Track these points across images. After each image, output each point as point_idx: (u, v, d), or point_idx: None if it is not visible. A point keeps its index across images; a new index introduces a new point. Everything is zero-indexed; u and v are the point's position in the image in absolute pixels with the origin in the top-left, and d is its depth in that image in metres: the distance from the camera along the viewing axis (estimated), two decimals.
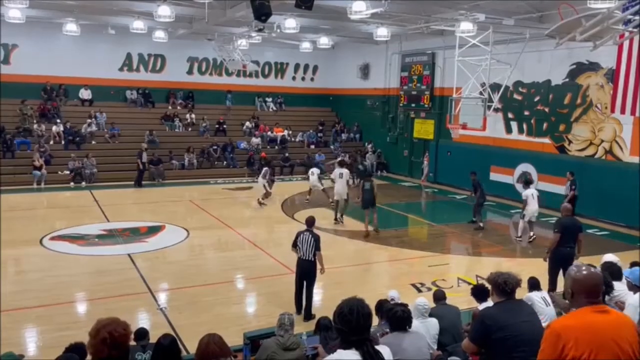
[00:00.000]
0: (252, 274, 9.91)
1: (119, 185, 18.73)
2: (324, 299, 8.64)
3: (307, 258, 7.93)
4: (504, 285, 3.84)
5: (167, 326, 7.40)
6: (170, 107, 24.04)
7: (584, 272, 2.82)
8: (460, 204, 17.46)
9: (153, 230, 13.02)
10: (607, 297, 5.16)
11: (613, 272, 5.31)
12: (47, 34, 20.46)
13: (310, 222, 8.30)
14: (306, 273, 7.97)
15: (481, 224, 13.95)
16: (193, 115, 23.67)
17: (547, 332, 2.68)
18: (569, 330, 2.61)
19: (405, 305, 4.22)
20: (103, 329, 2.11)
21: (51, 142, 20.02)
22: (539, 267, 8.72)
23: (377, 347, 2.78)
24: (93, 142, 20.81)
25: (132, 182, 19.03)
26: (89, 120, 21.27)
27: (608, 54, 13.56)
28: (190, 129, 23.36)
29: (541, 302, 6.16)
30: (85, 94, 22.63)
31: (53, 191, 17.67)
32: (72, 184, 18.43)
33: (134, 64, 23.68)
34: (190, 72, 24.86)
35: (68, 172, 18.72)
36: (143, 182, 19.13)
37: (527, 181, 13.62)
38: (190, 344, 6.05)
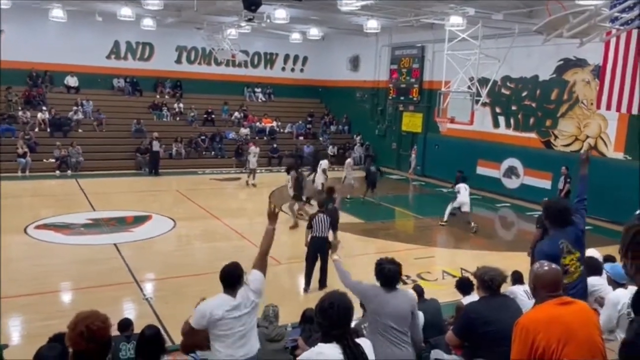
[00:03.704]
0: None
1: (105, 174, 18.59)
2: (310, 291, 8.69)
3: (321, 235, 8.64)
4: (490, 283, 3.94)
5: (153, 316, 7.40)
6: (158, 96, 23.85)
7: (545, 268, 2.98)
8: (447, 197, 17.46)
9: (139, 220, 12.97)
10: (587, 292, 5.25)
11: (593, 266, 5.40)
12: (33, 19, 20.16)
13: (321, 204, 9.27)
14: (320, 248, 8.61)
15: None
16: (181, 105, 23.51)
17: (516, 329, 2.77)
18: (537, 324, 2.71)
19: (398, 265, 4.26)
20: (81, 323, 2.12)
21: (36, 130, 19.78)
22: (523, 261, 8.83)
23: (357, 340, 2.82)
24: (79, 130, 20.59)
25: (120, 172, 18.94)
26: (75, 108, 21.02)
27: (595, 51, 13.67)
28: (178, 119, 23.21)
29: (524, 295, 6.24)
30: (71, 81, 22.36)
31: (38, 179, 17.49)
32: (57, 172, 18.25)
33: (122, 51, 23.43)
34: (178, 61, 24.65)
35: (54, 160, 18.53)
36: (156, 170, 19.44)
37: (463, 177, 14.18)
38: (176, 334, 6.05)
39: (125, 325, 5.18)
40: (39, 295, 8.12)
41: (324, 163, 15.78)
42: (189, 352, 4.64)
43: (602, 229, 13.68)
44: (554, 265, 3.03)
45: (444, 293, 7.89)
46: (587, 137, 15.53)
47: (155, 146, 19.33)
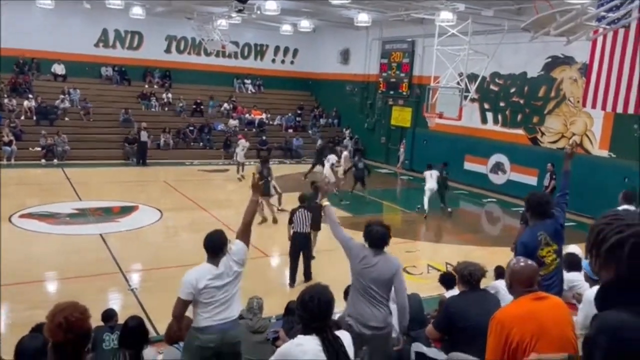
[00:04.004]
0: None
1: (92, 164, 18.45)
2: (296, 284, 8.74)
3: (302, 231, 8.65)
4: (469, 277, 4.01)
5: (138, 307, 7.40)
6: (146, 86, 23.67)
7: (521, 264, 3.07)
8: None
9: (126, 210, 12.92)
10: (566, 287, 5.35)
11: (573, 262, 5.50)
12: (20, 6, 19.85)
13: (303, 199, 9.17)
14: (303, 245, 8.70)
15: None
16: (170, 95, 23.36)
17: (491, 323, 2.84)
18: (512, 319, 2.79)
19: (386, 227, 4.32)
20: (59, 314, 2.14)
21: (22, 117, 19.57)
22: (507, 256, 8.93)
23: (337, 332, 2.86)
24: (66, 119, 20.40)
25: (107, 162, 18.83)
26: (62, 96, 20.81)
27: (582, 49, 13.77)
28: (166, 109, 23.07)
29: (506, 289, 6.34)
30: (58, 69, 22.11)
31: (24, 167, 17.33)
32: (43, 161, 18.09)
33: (110, 40, 23.19)
34: (168, 50, 24.47)
35: (39, 149, 18.36)
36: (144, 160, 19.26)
37: (429, 165, 14.84)
38: (161, 325, 6.08)
39: (109, 315, 5.19)
40: (23, 285, 8.08)
41: (331, 158, 15.92)
42: (173, 343, 4.67)
43: (585, 226, 13.83)
44: (529, 262, 3.10)
45: (428, 287, 8.00)
46: (573, 134, 15.70)
47: (143, 136, 19.21)
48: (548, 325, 2.73)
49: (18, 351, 3.47)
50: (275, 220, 12.24)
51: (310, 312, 2.77)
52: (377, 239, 4.28)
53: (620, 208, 6.67)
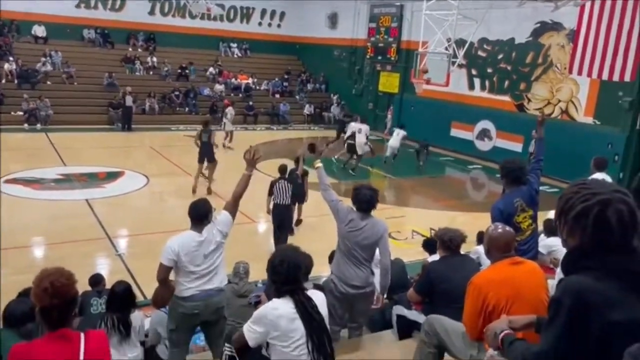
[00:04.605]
0: None
1: (76, 128, 18.21)
2: None
3: (283, 203, 8.49)
4: (449, 243, 4.11)
5: (125, 272, 7.48)
6: (130, 49, 23.18)
7: (499, 230, 3.15)
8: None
9: (112, 175, 12.86)
10: (544, 252, 5.50)
11: (552, 228, 5.63)
12: None
13: (283, 170, 8.88)
14: (283, 217, 8.57)
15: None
16: (154, 59, 22.93)
17: (469, 287, 2.94)
18: (489, 284, 2.89)
19: (374, 190, 4.42)
20: (45, 279, 2.17)
21: (3, 81, 19.14)
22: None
23: (310, 292, 2.95)
24: (48, 83, 20.00)
25: (91, 127, 18.61)
26: (43, 59, 20.34)
27: (571, 14, 13.73)
28: (151, 73, 22.68)
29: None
30: (39, 30, 21.53)
31: (6, 132, 17.00)
32: (26, 125, 17.81)
33: (92, 1, 22.55)
34: (152, 12, 23.89)
35: (22, 114, 18.04)
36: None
37: (401, 125, 16.15)
38: (148, 289, 6.17)
39: (97, 280, 5.24)
40: (9, 250, 8.08)
41: (364, 128, 14.76)
42: (160, 307, 4.75)
43: None
44: (507, 228, 3.19)
45: (412, 252, 8.15)
46: (559, 101, 15.78)
47: (128, 101, 18.94)
48: (523, 290, 2.84)
49: (5, 315, 3.52)
50: (209, 191, 11.49)
51: (280, 277, 2.85)
52: (365, 202, 4.36)
53: (592, 176, 6.80)
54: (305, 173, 9.46)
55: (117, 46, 23.05)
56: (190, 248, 4.07)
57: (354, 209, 4.41)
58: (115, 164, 13.85)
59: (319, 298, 2.98)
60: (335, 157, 15.42)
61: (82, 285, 5.18)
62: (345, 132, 15.52)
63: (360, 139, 14.38)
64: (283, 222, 8.61)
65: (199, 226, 4.14)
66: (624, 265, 1.58)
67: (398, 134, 15.33)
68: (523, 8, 15.23)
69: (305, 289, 2.96)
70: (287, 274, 2.84)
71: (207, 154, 11.92)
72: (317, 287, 3.81)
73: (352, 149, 14.67)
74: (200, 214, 4.17)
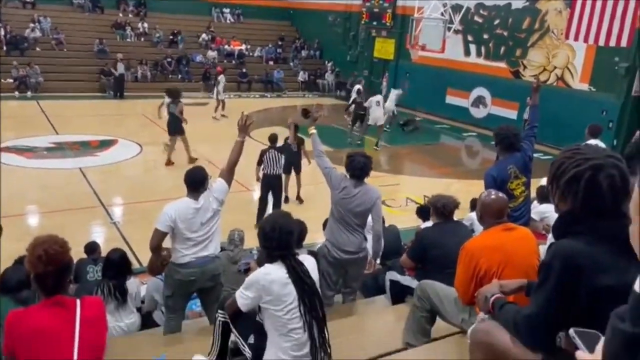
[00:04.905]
0: None
1: (67, 96, 17.98)
2: None
3: (273, 173, 8.38)
4: (442, 209, 4.14)
5: (121, 240, 7.50)
6: (121, 15, 22.70)
7: (492, 197, 3.17)
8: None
9: (105, 144, 12.78)
10: (537, 219, 5.55)
11: (544, 195, 5.66)
12: None
13: (273, 139, 8.75)
14: (274, 187, 8.45)
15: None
16: (145, 25, 22.49)
17: (461, 253, 2.97)
18: (481, 249, 2.92)
19: (368, 157, 4.47)
20: (39, 247, 2.18)
21: None
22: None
23: (301, 257, 2.99)
24: (37, 49, 19.63)
25: (83, 94, 18.37)
26: (32, 25, 19.92)
27: None
28: (142, 39, 22.28)
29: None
30: None
31: None
32: (16, 93, 17.55)
33: None
34: None
35: (12, 81, 17.76)
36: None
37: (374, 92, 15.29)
38: (143, 256, 6.19)
39: (92, 248, 5.27)
40: (3, 219, 8.07)
41: (377, 96, 14.42)
42: (156, 275, 4.79)
43: None
44: (500, 194, 3.20)
45: (406, 219, 8.21)
46: (555, 67, 15.66)
47: (120, 68, 18.67)
48: (515, 255, 2.87)
49: (2, 282, 3.55)
50: (169, 162, 11.29)
51: (271, 243, 2.89)
52: (358, 169, 4.40)
53: (585, 143, 6.82)
54: (301, 141, 9.24)
55: (107, 11, 22.58)
56: (187, 215, 4.08)
57: (348, 176, 4.43)
58: (108, 132, 13.75)
59: (310, 263, 3.02)
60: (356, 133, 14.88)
61: (78, 253, 5.21)
62: (357, 102, 14.42)
63: (377, 113, 13.78)
64: (274, 191, 8.46)
65: (195, 193, 4.15)
66: (614, 230, 1.59)
67: (379, 103, 14.02)
68: None
69: (297, 254, 3.00)
70: (280, 239, 2.87)
71: (176, 127, 11.31)
72: (311, 253, 3.84)
73: (359, 118, 14.26)
74: (196, 181, 4.16)
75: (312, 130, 4.74)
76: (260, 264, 3.13)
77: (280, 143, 8.97)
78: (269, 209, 8.28)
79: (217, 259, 4.36)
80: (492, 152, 14.17)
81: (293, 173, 9.37)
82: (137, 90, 19.60)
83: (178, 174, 4.43)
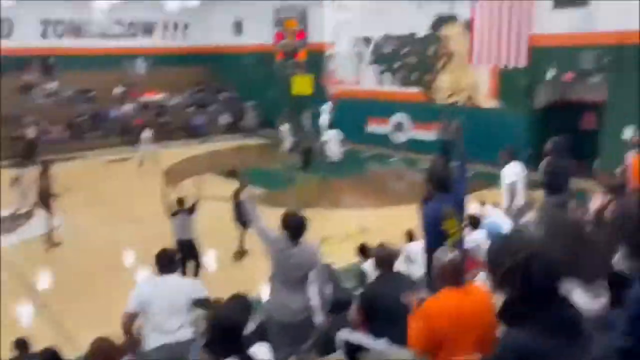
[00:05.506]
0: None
1: None
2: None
3: (185, 238, 7.80)
4: (386, 259, 4.19)
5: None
6: (26, 77, 21.68)
7: (449, 259, 3.13)
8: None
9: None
10: (473, 246, 5.77)
11: (475, 223, 5.91)
12: None
13: (180, 202, 8.11)
14: (187, 253, 7.75)
15: None
16: (54, 84, 21.60)
17: (418, 312, 2.99)
18: (438, 313, 2.96)
19: (303, 217, 4.48)
20: None
21: None
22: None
23: (254, 347, 2.89)
24: None
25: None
26: None
27: (466, 6, 14.52)
28: (53, 99, 21.34)
29: (419, 252, 6.70)
30: None
31: None
32: None
33: None
34: (45, 35, 22.47)
35: None
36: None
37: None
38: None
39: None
40: None
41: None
42: None
43: (481, 174, 14.88)
44: (457, 255, 3.21)
45: (346, 254, 8.23)
46: (464, 89, 16.59)
47: (31, 133, 17.73)
48: (471, 323, 2.91)
49: None
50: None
51: (218, 338, 2.74)
52: (295, 228, 4.39)
53: (506, 168, 7.17)
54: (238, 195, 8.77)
55: (10, 74, 21.47)
56: (153, 293, 4.09)
57: (285, 235, 4.43)
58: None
59: (262, 352, 2.92)
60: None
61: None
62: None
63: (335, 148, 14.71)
64: (188, 258, 7.78)
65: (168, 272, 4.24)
66: (555, 316, 1.69)
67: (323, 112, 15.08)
68: (422, 2, 15.84)
69: (247, 350, 2.83)
70: (223, 337, 2.71)
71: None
72: (258, 328, 3.75)
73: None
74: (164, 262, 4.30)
75: (245, 194, 4.75)
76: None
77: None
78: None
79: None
80: (418, 173, 14.67)
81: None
82: (52, 154, 18.59)
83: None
